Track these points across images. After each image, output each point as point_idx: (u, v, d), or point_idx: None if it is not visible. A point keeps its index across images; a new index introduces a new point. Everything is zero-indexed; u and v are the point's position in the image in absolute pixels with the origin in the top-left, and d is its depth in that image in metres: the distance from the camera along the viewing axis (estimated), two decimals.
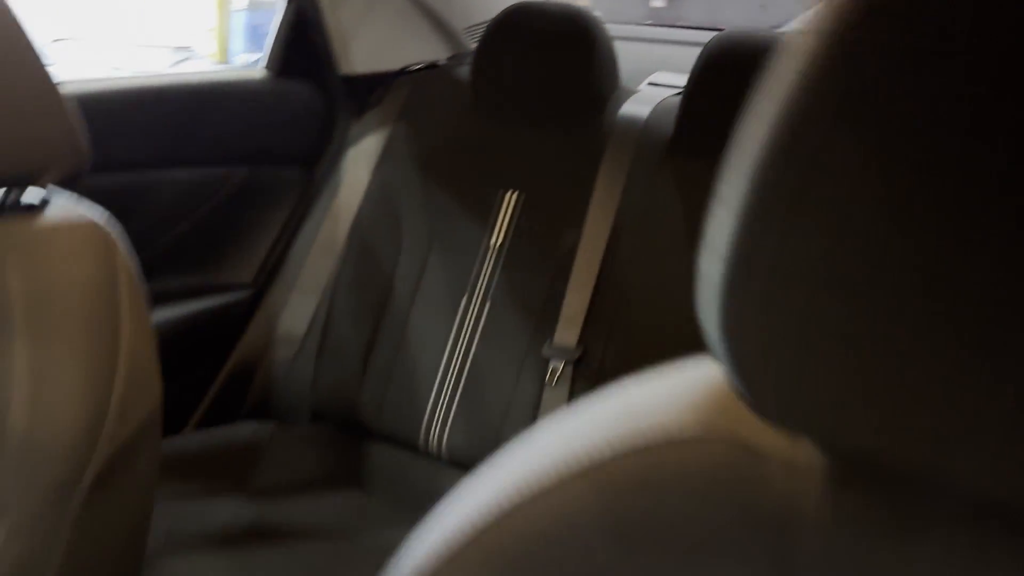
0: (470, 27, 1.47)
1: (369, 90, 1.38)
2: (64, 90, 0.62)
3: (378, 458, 1.15)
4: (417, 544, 0.38)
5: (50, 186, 0.64)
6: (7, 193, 0.62)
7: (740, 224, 0.29)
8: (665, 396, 0.38)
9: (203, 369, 1.30)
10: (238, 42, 3.25)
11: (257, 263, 1.35)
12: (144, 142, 1.18)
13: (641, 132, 1.11)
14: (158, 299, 1.26)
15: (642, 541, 0.35)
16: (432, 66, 1.42)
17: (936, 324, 0.27)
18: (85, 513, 0.55)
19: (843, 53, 0.27)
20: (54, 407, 0.54)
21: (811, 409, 0.31)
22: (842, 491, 0.34)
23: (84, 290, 0.58)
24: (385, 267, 1.26)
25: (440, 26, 1.44)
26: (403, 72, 1.39)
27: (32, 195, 0.64)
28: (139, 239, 1.21)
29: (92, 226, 0.63)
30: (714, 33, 1.11)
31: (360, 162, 1.36)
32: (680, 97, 1.09)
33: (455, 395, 1.14)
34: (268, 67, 1.33)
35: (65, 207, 0.64)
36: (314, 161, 1.38)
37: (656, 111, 1.14)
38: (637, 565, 0.35)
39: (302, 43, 1.31)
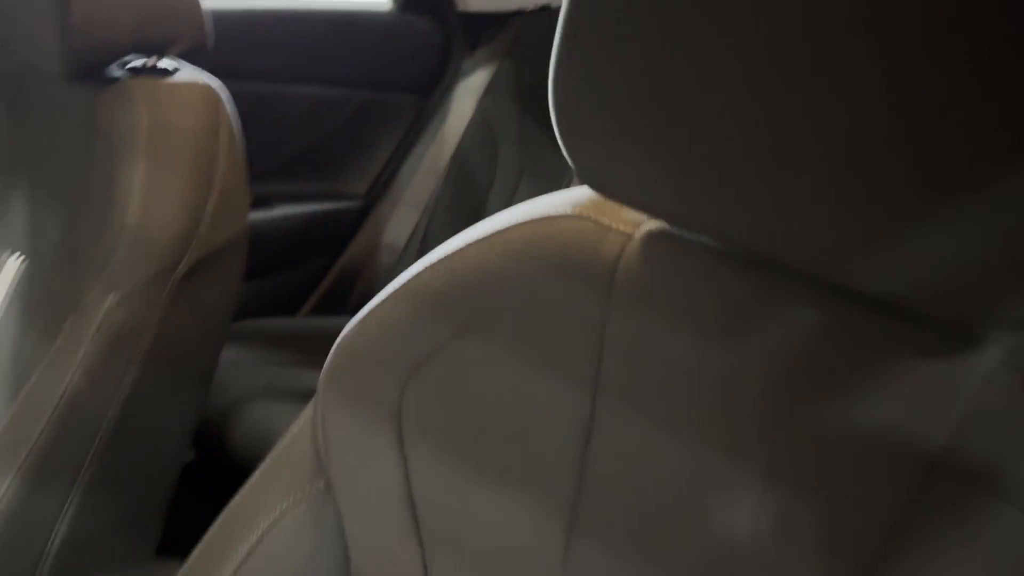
0: None
1: (483, 28, 1.52)
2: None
3: None
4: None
5: (182, 62, 0.83)
6: (147, 59, 0.80)
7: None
8: (556, 198, 0.50)
9: (317, 264, 1.49)
10: None
11: (370, 178, 1.53)
12: (282, 59, 1.37)
13: None
14: (282, 197, 1.47)
15: (518, 288, 0.47)
16: (545, 8, 1.54)
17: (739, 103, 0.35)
18: (177, 295, 0.73)
19: None
20: (161, 210, 0.72)
21: (616, 183, 0.41)
22: (651, 249, 0.44)
23: (192, 131, 0.76)
24: (479, 191, 1.40)
25: None
26: (517, 13, 1.52)
27: (165, 63, 0.82)
28: (272, 143, 1.42)
29: (206, 87, 0.80)
30: None
31: (467, 94, 1.50)
32: None
33: None
34: (395, 2, 1.50)
35: (188, 74, 0.82)
36: (428, 90, 1.54)
37: None
38: (518, 304, 0.47)
39: None
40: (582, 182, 0.44)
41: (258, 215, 1.46)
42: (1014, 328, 0.32)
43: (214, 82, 0.82)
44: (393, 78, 1.52)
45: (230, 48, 1.31)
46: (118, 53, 0.77)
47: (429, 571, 0.48)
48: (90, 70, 0.77)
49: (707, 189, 0.37)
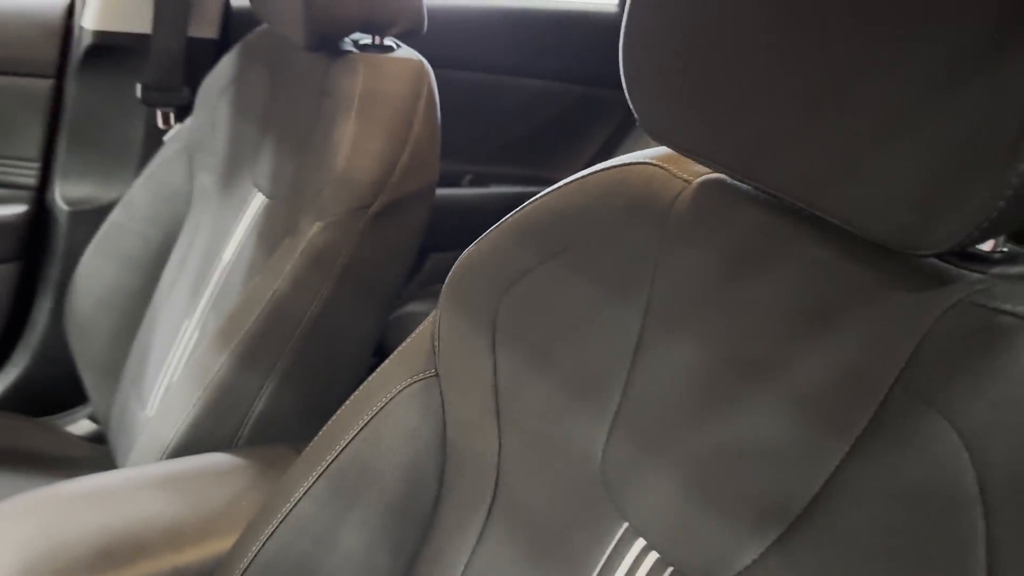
0: None
1: None
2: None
3: None
4: None
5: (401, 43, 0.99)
6: (373, 38, 0.97)
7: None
8: (643, 152, 0.58)
9: None
10: None
11: (579, 167, 1.64)
12: (508, 54, 1.52)
13: None
14: (498, 178, 1.63)
15: (594, 222, 0.56)
16: None
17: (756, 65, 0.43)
18: (368, 229, 0.88)
19: None
20: (363, 159, 0.88)
21: (670, 135, 0.49)
22: (701, 193, 0.52)
23: (396, 96, 0.91)
24: None
25: None
26: None
27: (389, 42, 0.99)
28: (493, 129, 1.57)
29: (415, 63, 0.95)
30: None
31: None
32: None
33: None
34: (619, 5, 1.60)
35: (404, 52, 0.98)
36: None
37: None
38: (593, 235, 0.56)
39: None
40: (648, 136, 0.52)
41: (475, 191, 1.63)
42: (952, 249, 0.35)
43: (422, 60, 0.97)
44: (608, 76, 1.62)
45: (463, 41, 1.49)
46: (348, 30, 0.94)
47: (502, 446, 0.58)
48: (326, 43, 0.95)
49: (732, 136, 0.44)
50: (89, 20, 1.26)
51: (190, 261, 1.12)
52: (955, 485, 0.36)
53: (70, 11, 1.28)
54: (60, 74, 1.28)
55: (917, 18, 0.33)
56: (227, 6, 1.35)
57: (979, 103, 0.32)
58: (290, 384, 0.89)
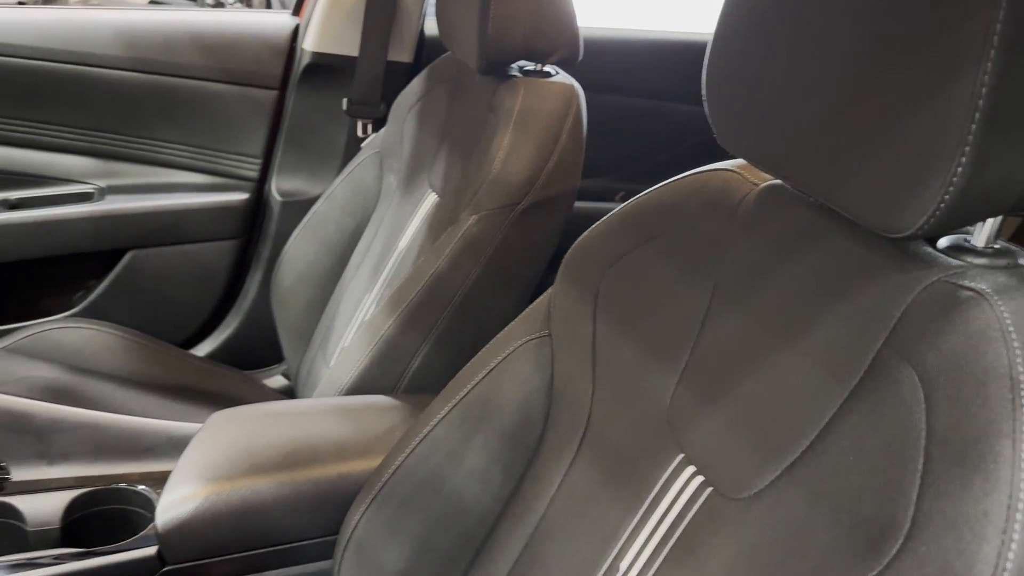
0: None
1: None
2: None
3: None
4: None
5: (560, 71, 1.16)
6: (535, 64, 1.15)
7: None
8: (732, 160, 0.71)
9: None
10: None
11: None
12: (664, 81, 1.66)
13: None
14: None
15: (680, 215, 0.69)
16: None
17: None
18: (515, 224, 1.05)
19: None
20: (514, 164, 1.05)
21: (745, 147, 0.62)
22: (764, 194, 0.64)
23: (547, 113, 1.08)
24: None
25: None
26: None
27: (549, 69, 1.15)
28: (648, 149, 1.71)
29: (568, 86, 1.12)
30: None
31: None
32: None
33: None
34: None
35: (561, 77, 1.15)
36: None
37: None
38: (678, 226, 0.69)
39: None
40: (722, 146, 0.65)
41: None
42: (919, 234, 0.46)
43: (574, 84, 1.13)
44: None
45: (622, 69, 1.64)
46: (514, 57, 1.12)
47: (594, 393, 0.72)
48: (495, 68, 1.13)
49: (775, 147, 0.57)
50: (309, 42, 1.52)
51: (373, 247, 1.33)
52: (911, 407, 0.47)
53: (295, 34, 1.55)
54: (283, 87, 1.55)
55: (896, 58, 0.45)
56: (421, 35, 1.58)
57: (936, 117, 0.44)
58: (442, 347, 1.07)
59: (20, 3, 2.01)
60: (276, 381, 1.60)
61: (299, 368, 1.43)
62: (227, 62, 1.51)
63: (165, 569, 0.82)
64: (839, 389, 0.53)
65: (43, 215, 1.47)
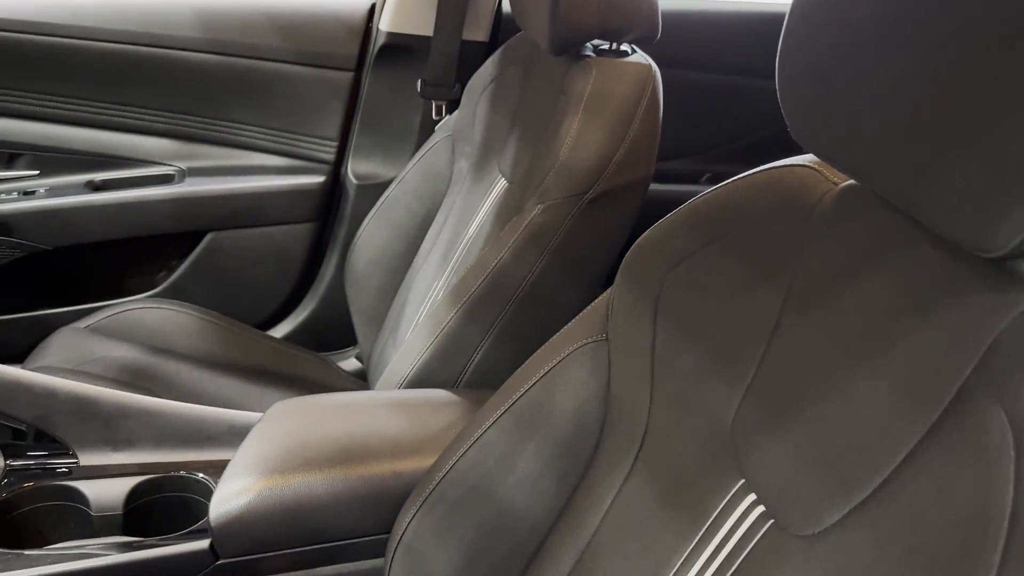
0: None
1: None
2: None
3: None
4: None
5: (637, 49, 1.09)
6: (610, 44, 1.09)
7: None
8: (807, 155, 0.64)
9: None
10: None
11: None
12: (753, 57, 1.56)
13: None
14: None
15: (751, 213, 0.63)
16: None
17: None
18: (583, 214, 1.00)
19: None
20: (583, 151, 0.99)
21: (820, 143, 0.55)
22: (843, 195, 0.57)
23: (619, 96, 1.01)
24: None
25: None
26: None
27: (625, 47, 1.09)
28: (735, 129, 1.62)
29: (643, 67, 1.05)
30: None
31: None
32: None
33: None
34: None
35: (637, 57, 1.08)
36: None
37: None
38: (748, 225, 0.63)
39: None
40: (796, 141, 0.58)
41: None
42: (1011, 253, 0.39)
43: (651, 65, 1.07)
44: None
45: (703, 44, 1.55)
46: (587, 37, 1.06)
47: (652, 403, 0.67)
48: (568, 48, 1.07)
49: (855, 146, 0.50)
50: (385, 22, 1.50)
51: (444, 232, 1.31)
52: (999, 453, 0.40)
53: (371, 14, 1.53)
54: (359, 68, 1.54)
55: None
56: (498, 13, 1.53)
57: None
58: (505, 340, 1.03)
59: None
60: (350, 364, 1.60)
61: (371, 352, 1.42)
62: (303, 43, 1.51)
63: (218, 563, 0.82)
64: (919, 422, 0.46)
65: (126, 196, 1.50)
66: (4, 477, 0.90)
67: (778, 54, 0.55)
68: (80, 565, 0.80)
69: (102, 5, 1.45)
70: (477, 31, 1.51)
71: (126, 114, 1.50)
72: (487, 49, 1.50)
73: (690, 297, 0.66)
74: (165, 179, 1.54)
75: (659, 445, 0.66)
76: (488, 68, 1.34)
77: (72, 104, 1.48)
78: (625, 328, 0.71)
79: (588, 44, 1.12)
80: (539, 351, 0.78)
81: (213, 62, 1.49)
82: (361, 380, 1.52)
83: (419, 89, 1.50)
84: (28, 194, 1.49)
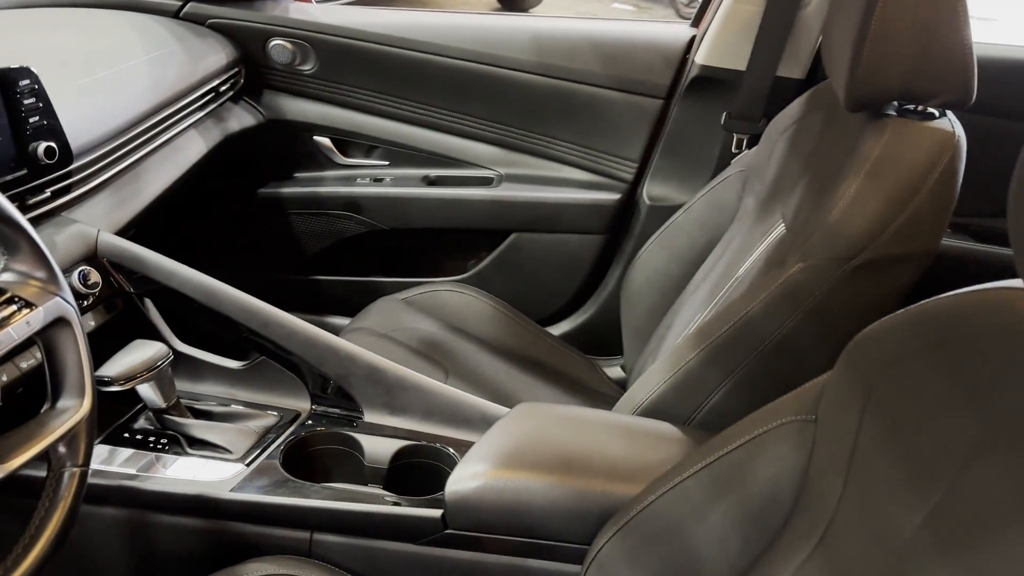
0: None
1: None
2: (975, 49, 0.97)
3: None
4: None
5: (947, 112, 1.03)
6: (914, 105, 1.03)
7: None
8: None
9: None
10: None
11: None
12: None
13: None
14: None
15: (979, 332, 0.61)
16: None
17: None
18: (845, 280, 0.97)
19: None
20: (855, 216, 0.97)
21: None
22: None
23: (908, 164, 0.96)
24: None
25: None
26: None
27: (932, 110, 1.03)
28: None
29: (944, 133, 0.99)
30: None
31: None
32: None
33: None
34: None
35: (942, 121, 1.01)
36: None
37: None
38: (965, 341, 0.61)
39: None
40: None
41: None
42: None
43: (955, 131, 1.00)
44: None
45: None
46: (887, 98, 1.02)
47: (842, 497, 0.68)
48: (864, 106, 1.04)
49: None
50: (700, 55, 1.54)
51: (717, 267, 1.34)
52: None
53: (689, 45, 1.58)
54: (668, 96, 1.60)
55: None
56: (819, 51, 1.50)
57: None
58: (744, 389, 1.05)
59: None
60: (615, 371, 1.70)
61: (633, 366, 1.50)
62: (621, 70, 1.61)
63: (446, 531, 0.96)
64: None
65: (451, 193, 1.73)
66: (309, 418, 1.13)
67: (1012, 187, 0.53)
68: (349, 506, 0.98)
69: (455, 26, 1.68)
70: (793, 67, 1.49)
71: (463, 121, 1.72)
72: (801, 86, 1.48)
73: (900, 400, 0.65)
74: (485, 181, 1.74)
75: (838, 539, 0.66)
76: (794, 108, 1.33)
77: (422, 109, 1.73)
78: (835, 415, 0.71)
79: (889, 104, 1.07)
80: (751, 416, 0.80)
81: (540, 83, 1.65)
82: (621, 389, 1.60)
83: (723, 121, 1.53)
84: (377, 181, 1.77)
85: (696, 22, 1.62)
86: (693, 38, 1.59)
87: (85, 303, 1.06)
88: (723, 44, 1.52)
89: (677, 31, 1.62)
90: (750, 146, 1.50)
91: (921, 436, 0.61)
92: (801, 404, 0.75)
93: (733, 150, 1.53)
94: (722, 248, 1.37)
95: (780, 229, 1.21)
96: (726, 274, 1.28)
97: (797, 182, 1.22)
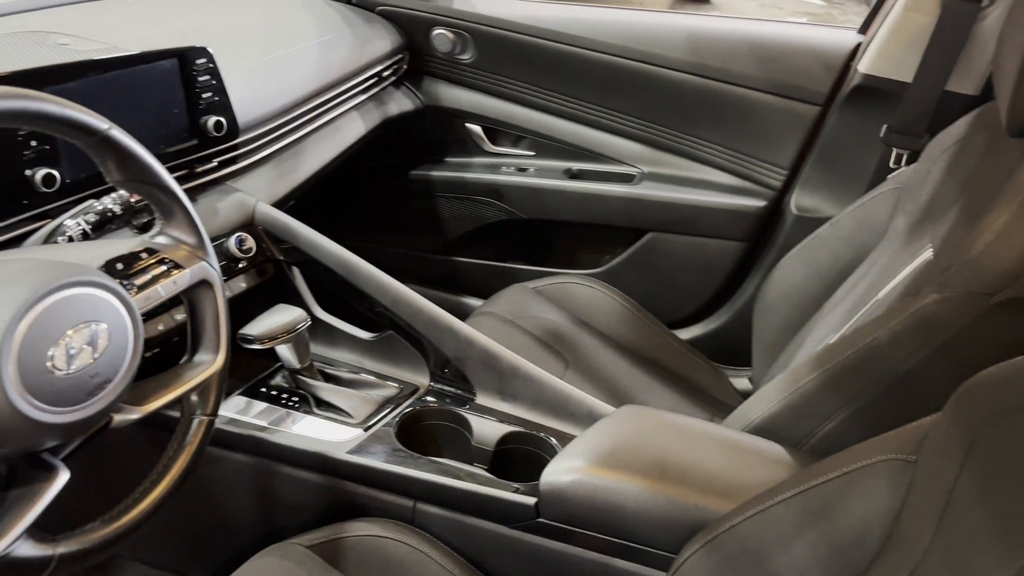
0: None
1: None
2: None
3: None
4: None
5: None
6: None
7: None
8: None
9: None
10: None
11: None
12: None
13: None
14: None
15: None
16: None
17: None
18: (983, 317, 0.90)
19: None
20: (999, 250, 0.90)
21: None
22: None
23: None
24: None
25: None
26: None
27: None
28: None
29: None
30: None
31: None
32: None
33: None
34: None
35: None
36: None
37: None
38: None
39: None
40: None
41: None
42: None
43: None
44: None
45: None
46: None
47: (929, 547, 0.65)
48: None
49: None
50: (864, 63, 1.46)
51: (858, 287, 1.28)
52: None
53: (853, 53, 1.51)
54: (826, 104, 1.53)
55: None
56: None
57: None
58: (864, 417, 1.00)
59: None
60: (742, 383, 1.66)
61: (760, 380, 1.46)
62: (777, 74, 1.55)
63: (537, 520, 0.99)
64: None
65: (593, 188, 1.74)
66: (426, 394, 1.19)
67: None
68: (451, 482, 1.03)
69: (611, 22, 1.68)
70: (965, 82, 1.39)
71: (610, 117, 1.73)
72: (972, 103, 1.38)
73: (1003, 453, 0.61)
74: (626, 178, 1.74)
75: None
76: (959, 127, 1.24)
77: (571, 102, 1.75)
78: (936, 459, 0.68)
79: None
80: (850, 448, 0.77)
81: (691, 82, 1.62)
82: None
83: (882, 134, 1.45)
84: (522, 171, 1.81)
85: (864, 29, 1.54)
86: (859, 45, 1.51)
87: (239, 266, 1.17)
88: (890, 53, 1.43)
89: (842, 37, 1.55)
90: (909, 163, 1.41)
91: (1021, 493, 0.58)
92: (903, 443, 0.72)
93: (891, 165, 1.45)
94: (865, 268, 1.30)
95: (927, 255, 1.14)
96: (864, 296, 1.23)
97: (951, 206, 1.15)
